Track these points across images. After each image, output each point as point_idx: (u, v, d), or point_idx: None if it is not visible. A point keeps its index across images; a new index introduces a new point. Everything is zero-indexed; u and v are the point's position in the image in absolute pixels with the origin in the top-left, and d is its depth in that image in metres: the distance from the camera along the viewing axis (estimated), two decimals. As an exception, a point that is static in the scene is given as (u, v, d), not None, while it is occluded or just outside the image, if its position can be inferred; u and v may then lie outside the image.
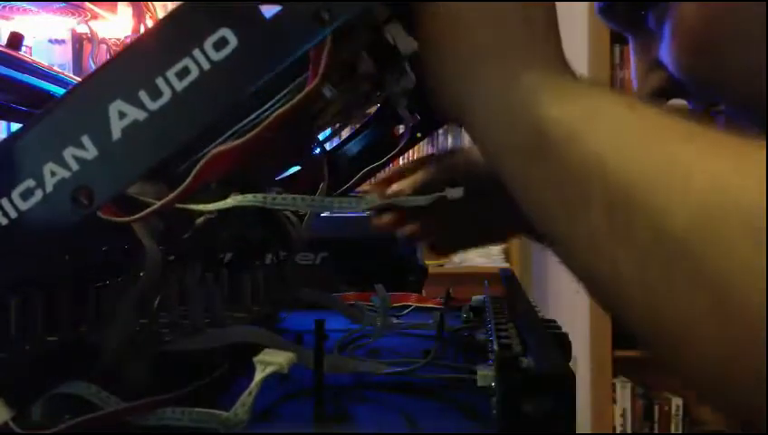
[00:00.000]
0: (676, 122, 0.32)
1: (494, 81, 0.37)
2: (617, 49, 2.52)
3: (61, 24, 1.42)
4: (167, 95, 0.35)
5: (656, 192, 0.30)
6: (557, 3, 0.39)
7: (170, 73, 0.35)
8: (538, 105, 0.35)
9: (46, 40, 1.46)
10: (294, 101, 0.36)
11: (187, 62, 0.35)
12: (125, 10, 1.49)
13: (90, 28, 1.45)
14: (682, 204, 0.29)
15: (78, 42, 1.49)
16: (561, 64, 0.38)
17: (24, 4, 1.28)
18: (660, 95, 0.56)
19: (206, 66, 0.35)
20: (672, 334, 0.30)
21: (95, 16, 1.41)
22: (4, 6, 1.27)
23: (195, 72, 0.35)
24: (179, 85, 0.35)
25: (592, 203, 0.32)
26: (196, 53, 0.34)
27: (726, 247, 0.27)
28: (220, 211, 0.45)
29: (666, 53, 0.53)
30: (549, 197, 0.35)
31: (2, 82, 0.70)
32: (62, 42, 1.48)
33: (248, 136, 0.36)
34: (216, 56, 0.34)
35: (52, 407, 0.38)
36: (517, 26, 0.37)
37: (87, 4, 1.35)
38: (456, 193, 0.45)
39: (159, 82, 0.35)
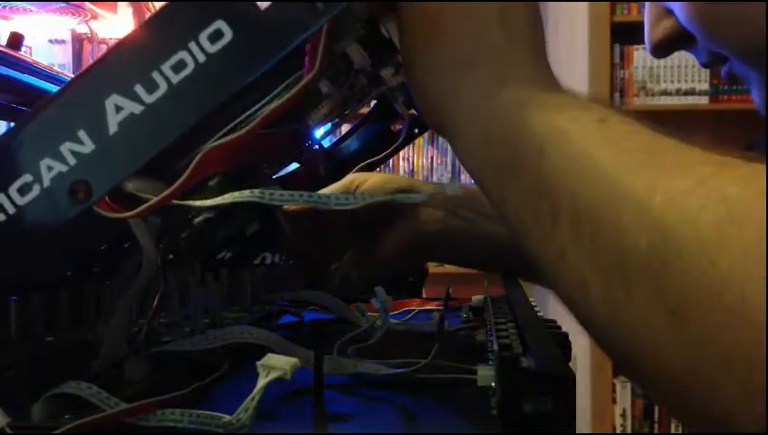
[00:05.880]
0: (645, 139, 0.33)
1: (472, 94, 0.37)
2: (617, 49, 2.52)
3: (61, 24, 1.42)
4: (163, 88, 0.35)
5: (620, 210, 0.30)
6: (557, 3, 0.39)
7: (166, 67, 0.35)
8: (514, 121, 0.35)
9: (46, 40, 1.46)
10: (291, 93, 0.36)
11: (182, 54, 0.35)
12: (125, 10, 1.49)
13: (90, 28, 1.45)
14: (643, 222, 0.29)
15: (78, 42, 1.49)
16: (541, 77, 0.38)
17: (24, 4, 1.28)
18: (668, 45, 0.56)
19: (202, 59, 0.35)
20: (634, 349, 0.31)
21: (95, 16, 1.41)
22: (5, 6, 1.27)
23: (191, 65, 0.35)
24: (175, 78, 0.35)
25: (561, 218, 0.33)
26: (192, 45, 0.34)
27: (683, 265, 0.28)
28: (219, 209, 0.45)
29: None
30: (523, 212, 0.35)
31: (2, 82, 0.70)
32: (62, 42, 1.48)
33: (244, 130, 0.36)
34: (211, 48, 0.34)
35: (52, 407, 0.38)
36: (500, 38, 0.37)
37: (87, 4, 1.35)
38: (452, 188, 0.45)
39: (155, 75, 0.35)
